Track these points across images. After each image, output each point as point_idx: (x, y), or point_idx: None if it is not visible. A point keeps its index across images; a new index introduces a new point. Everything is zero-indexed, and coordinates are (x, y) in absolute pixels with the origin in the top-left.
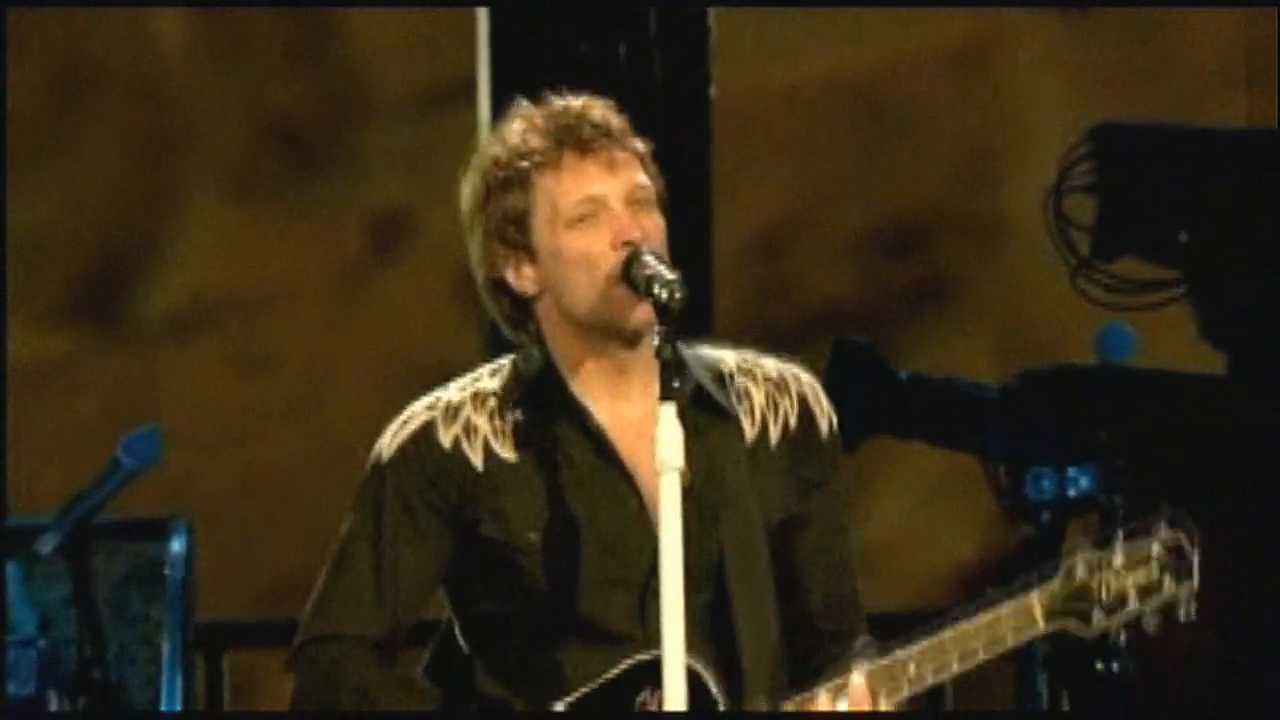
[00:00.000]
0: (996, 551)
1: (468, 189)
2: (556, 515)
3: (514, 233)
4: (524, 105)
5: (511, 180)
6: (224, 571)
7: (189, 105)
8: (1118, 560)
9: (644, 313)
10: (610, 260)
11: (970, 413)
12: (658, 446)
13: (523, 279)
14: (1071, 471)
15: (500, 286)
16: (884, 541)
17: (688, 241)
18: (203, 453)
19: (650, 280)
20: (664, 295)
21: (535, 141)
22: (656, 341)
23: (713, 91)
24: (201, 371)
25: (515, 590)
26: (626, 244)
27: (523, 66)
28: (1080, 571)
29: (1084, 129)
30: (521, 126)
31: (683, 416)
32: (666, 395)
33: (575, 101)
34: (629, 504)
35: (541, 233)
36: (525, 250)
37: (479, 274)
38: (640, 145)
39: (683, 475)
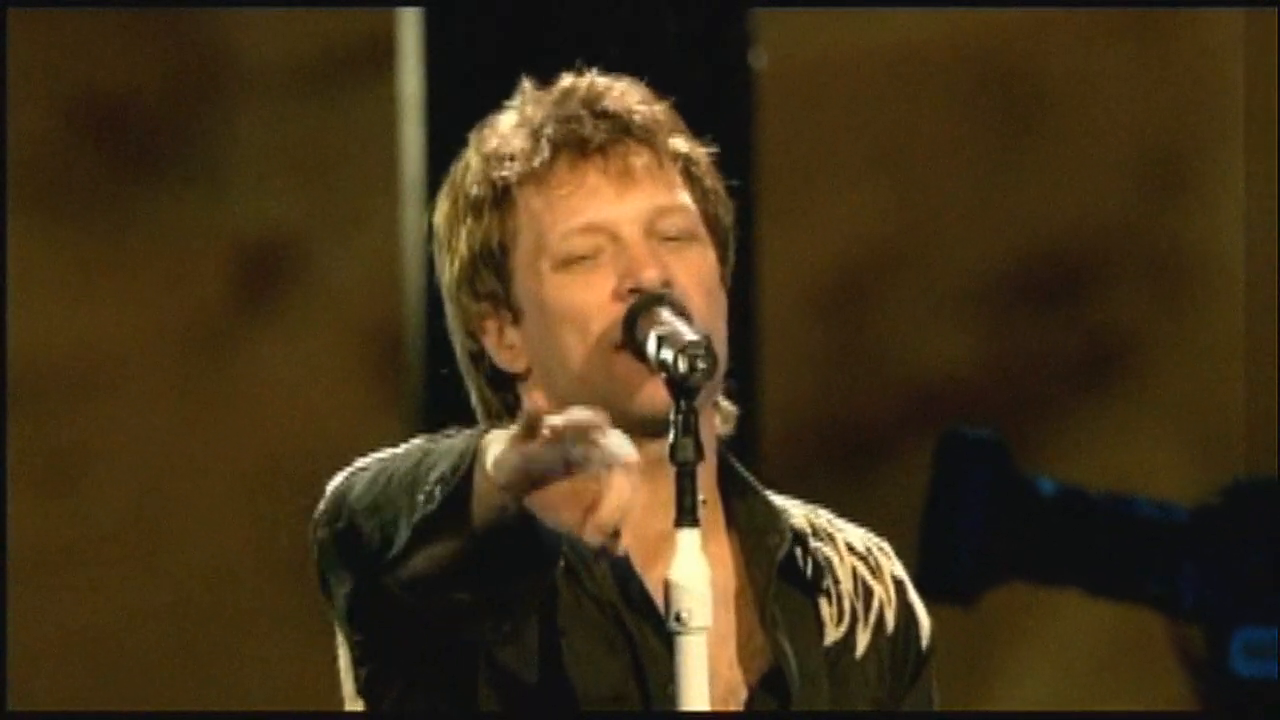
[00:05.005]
0: None
1: (440, 210)
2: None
3: (488, 278)
4: (527, 86)
5: (484, 200)
6: None
7: None
8: None
9: (653, 391)
10: (608, 316)
11: (1149, 545)
12: (671, 593)
13: (505, 348)
14: None
15: (478, 361)
16: None
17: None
18: None
19: (660, 342)
20: (680, 365)
21: (520, 141)
22: (671, 436)
23: (758, 60)
24: None
25: None
26: (634, 291)
27: (468, 24)
28: None
29: None
30: (511, 118)
31: (762, 590)
32: (684, 518)
33: (585, 81)
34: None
35: (523, 277)
36: (504, 304)
37: (455, 342)
38: (684, 146)
39: (740, 675)
